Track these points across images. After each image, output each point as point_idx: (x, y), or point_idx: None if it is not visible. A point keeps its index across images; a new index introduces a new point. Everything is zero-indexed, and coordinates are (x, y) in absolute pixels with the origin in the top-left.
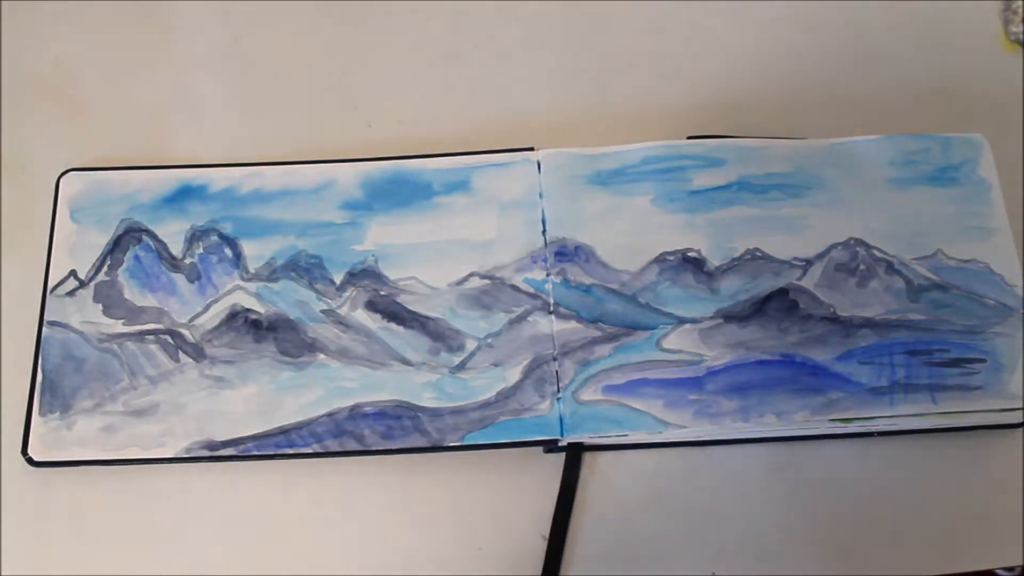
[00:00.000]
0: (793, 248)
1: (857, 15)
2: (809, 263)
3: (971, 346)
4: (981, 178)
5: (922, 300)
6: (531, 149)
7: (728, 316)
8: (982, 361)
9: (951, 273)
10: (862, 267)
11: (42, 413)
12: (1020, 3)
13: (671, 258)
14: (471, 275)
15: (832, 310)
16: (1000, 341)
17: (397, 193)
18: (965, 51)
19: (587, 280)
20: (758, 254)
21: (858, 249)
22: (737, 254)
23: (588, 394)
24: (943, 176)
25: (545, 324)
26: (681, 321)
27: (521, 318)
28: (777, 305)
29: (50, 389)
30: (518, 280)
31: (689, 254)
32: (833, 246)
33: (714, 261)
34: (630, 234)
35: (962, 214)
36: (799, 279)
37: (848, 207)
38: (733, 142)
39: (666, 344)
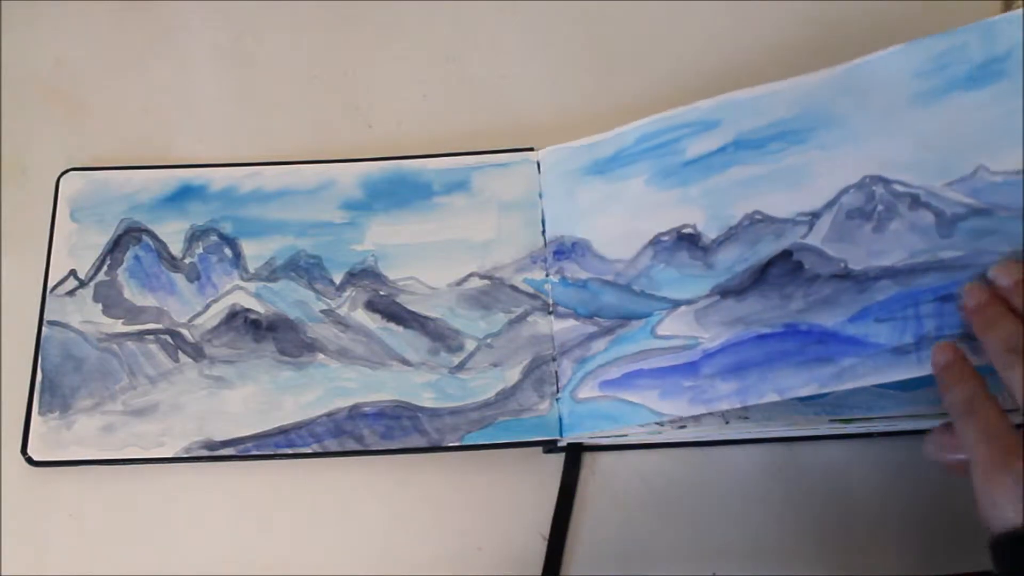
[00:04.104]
0: (797, 203)
1: (857, 15)
2: (816, 216)
3: None
4: None
5: (957, 233)
6: (531, 149)
7: (725, 292)
8: None
9: (995, 192)
10: (880, 208)
11: (42, 413)
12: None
13: (665, 239)
14: (471, 275)
15: (843, 265)
16: None
17: (397, 193)
18: None
19: (583, 275)
20: (757, 217)
21: (874, 188)
22: (735, 221)
23: (585, 391)
24: (984, 73)
25: (544, 324)
26: (676, 304)
27: (520, 318)
28: (779, 270)
29: (50, 389)
30: (518, 280)
31: (684, 231)
32: (844, 191)
33: (710, 234)
34: (625, 221)
35: (1009, 113)
36: (804, 236)
37: (861, 141)
38: (731, 95)
39: (660, 331)
